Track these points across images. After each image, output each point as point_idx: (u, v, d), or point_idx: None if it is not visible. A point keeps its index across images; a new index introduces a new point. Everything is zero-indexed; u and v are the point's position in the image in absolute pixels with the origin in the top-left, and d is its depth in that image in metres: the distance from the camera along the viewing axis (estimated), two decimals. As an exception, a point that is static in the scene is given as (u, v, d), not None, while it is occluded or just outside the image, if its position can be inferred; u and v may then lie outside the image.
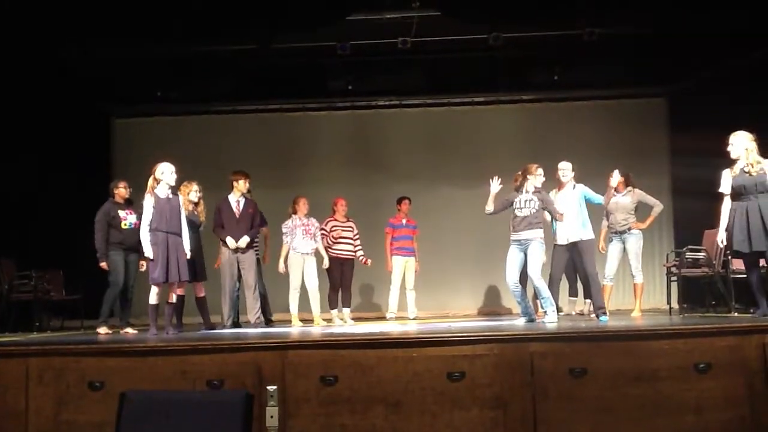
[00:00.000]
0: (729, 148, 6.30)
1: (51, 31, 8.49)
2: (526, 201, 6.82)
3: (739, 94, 8.67)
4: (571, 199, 7.28)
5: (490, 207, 6.93)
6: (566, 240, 7.27)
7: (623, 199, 7.73)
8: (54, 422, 4.47)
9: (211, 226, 7.74)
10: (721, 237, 6.41)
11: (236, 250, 7.58)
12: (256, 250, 7.92)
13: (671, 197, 10.42)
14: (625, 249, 7.76)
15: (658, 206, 7.86)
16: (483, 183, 7.17)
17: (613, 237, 7.78)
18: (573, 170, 7.41)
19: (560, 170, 7.40)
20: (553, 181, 7.44)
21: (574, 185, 7.41)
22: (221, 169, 8.16)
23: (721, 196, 6.40)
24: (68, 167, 9.75)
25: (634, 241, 7.71)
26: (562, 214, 6.97)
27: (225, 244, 7.59)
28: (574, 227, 7.19)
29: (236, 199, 7.75)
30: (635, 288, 7.90)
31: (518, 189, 6.95)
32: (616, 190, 7.69)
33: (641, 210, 7.87)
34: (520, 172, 7.03)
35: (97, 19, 8.30)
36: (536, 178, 6.91)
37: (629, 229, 7.68)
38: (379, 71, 10.39)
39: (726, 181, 6.32)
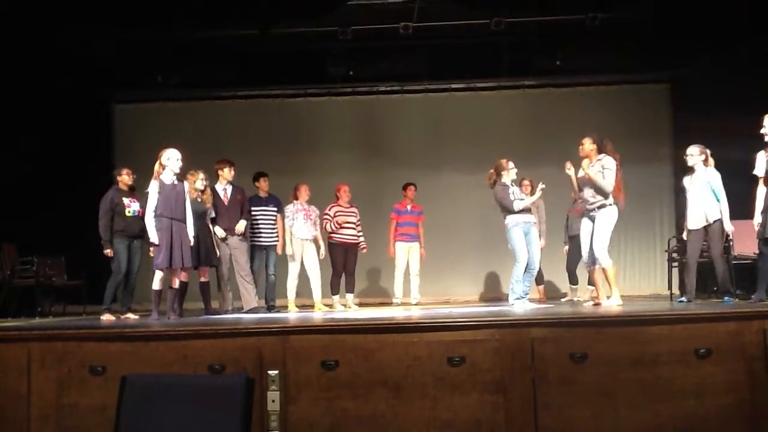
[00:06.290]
0: (763, 130, 6.12)
1: (52, 16, 8.45)
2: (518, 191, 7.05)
3: (743, 78, 8.62)
4: (700, 182, 6.74)
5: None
6: (696, 225, 6.72)
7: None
8: (56, 406, 4.49)
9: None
10: (757, 220, 6.26)
11: (225, 238, 7.60)
12: (255, 237, 7.92)
13: (674, 182, 10.39)
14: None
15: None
16: (485, 169, 7.14)
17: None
18: (701, 153, 6.76)
19: (688, 155, 6.82)
20: (557, 164, 7.11)
21: (705, 169, 6.79)
22: (222, 155, 8.14)
23: (755, 178, 6.24)
24: (69, 152, 9.76)
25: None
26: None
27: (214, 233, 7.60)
28: (705, 211, 6.67)
29: (223, 187, 7.75)
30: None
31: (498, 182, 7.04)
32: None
33: None
34: (492, 170, 7.07)
35: (98, 4, 8.26)
36: (509, 172, 6.98)
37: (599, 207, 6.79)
38: (381, 57, 10.34)
39: (761, 164, 6.18)
